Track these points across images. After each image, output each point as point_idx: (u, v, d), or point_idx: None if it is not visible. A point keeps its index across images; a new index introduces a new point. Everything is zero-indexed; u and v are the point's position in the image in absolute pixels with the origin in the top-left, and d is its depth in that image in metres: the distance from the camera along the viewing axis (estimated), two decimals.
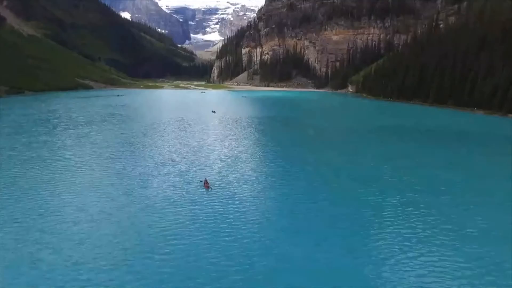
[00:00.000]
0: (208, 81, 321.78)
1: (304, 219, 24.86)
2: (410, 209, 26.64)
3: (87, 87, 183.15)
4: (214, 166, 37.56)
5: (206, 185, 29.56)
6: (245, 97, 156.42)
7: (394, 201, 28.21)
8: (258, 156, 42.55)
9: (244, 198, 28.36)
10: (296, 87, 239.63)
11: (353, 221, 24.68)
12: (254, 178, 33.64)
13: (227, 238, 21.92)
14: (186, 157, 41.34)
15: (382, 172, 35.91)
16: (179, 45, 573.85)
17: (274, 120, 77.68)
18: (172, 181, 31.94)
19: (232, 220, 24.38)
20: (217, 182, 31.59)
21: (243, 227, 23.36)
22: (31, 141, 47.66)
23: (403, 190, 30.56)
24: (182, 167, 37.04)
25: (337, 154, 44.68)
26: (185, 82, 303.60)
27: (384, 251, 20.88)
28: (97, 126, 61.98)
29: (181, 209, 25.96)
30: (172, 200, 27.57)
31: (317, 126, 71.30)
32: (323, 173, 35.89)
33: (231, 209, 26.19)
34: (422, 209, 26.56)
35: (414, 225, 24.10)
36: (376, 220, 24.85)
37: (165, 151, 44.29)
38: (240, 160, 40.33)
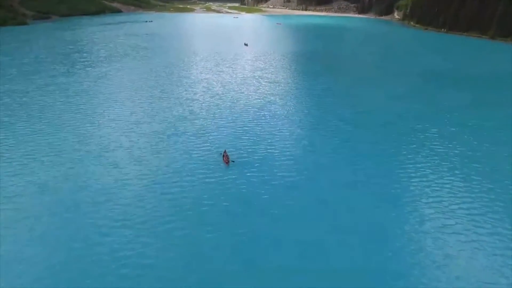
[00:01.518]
0: (242, 3, 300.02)
1: (346, 208, 20.52)
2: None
3: (115, 11, 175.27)
4: (237, 124, 32.74)
5: (225, 159, 24.98)
6: (280, 24, 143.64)
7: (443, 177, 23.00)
8: (290, 111, 36.90)
9: (270, 177, 23.73)
10: (336, 12, 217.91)
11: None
12: (284, 145, 28.70)
13: (241, 236, 18.21)
14: (208, 109, 36.65)
15: (430, 135, 29.94)
16: None
17: (311, 57, 69.33)
18: (188, 147, 27.79)
19: (251, 211, 20.40)
20: (239, 152, 27.05)
21: (263, 224, 19.44)
22: (47, 83, 44.54)
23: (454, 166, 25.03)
24: (200, 124, 32.59)
25: (380, 109, 38.12)
26: (217, 4, 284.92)
27: None
28: (117, 63, 57.65)
29: (192, 192, 21.95)
30: (183, 175, 23.63)
31: (358, 67, 63.00)
32: (367, 136, 30.32)
33: (253, 198, 21.72)
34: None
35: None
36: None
37: (185, 99, 39.72)
38: (269, 115, 35.11)
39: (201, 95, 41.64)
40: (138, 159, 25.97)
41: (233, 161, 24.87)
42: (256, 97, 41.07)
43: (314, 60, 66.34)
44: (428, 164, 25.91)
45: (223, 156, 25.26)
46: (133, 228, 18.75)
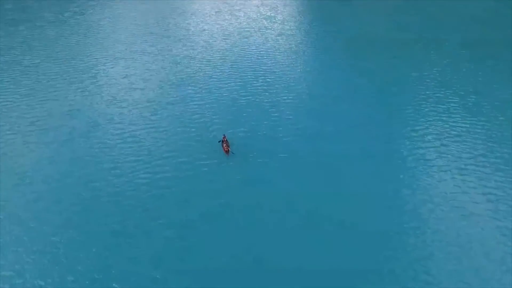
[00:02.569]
0: None
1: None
2: None
3: None
4: (240, 93, 29.55)
5: (225, 147, 21.68)
6: None
7: None
8: (301, 75, 32.97)
9: (281, 172, 20.88)
10: None
11: None
12: (295, 123, 25.63)
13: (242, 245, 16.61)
14: (207, 71, 33.13)
15: None
16: None
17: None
18: (184, 124, 25.18)
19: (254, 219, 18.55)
20: (241, 131, 24.41)
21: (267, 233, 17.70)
22: (33, 36, 40.90)
23: None
24: (198, 91, 29.52)
25: (399, 73, 34.21)
26: None
27: None
28: (110, 10, 52.35)
29: (183, 190, 19.80)
30: (180, 160, 21.52)
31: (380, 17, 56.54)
32: (386, 107, 27.32)
33: (261, 198, 19.46)
34: None
35: None
36: None
37: (183, 58, 36.02)
38: (276, 79, 31.63)
39: (200, 52, 37.80)
40: (129, 137, 23.74)
41: (233, 153, 21.67)
42: (260, 55, 37.13)
43: (328, 4, 59.64)
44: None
45: (222, 142, 22.05)
46: (123, 224, 17.41)
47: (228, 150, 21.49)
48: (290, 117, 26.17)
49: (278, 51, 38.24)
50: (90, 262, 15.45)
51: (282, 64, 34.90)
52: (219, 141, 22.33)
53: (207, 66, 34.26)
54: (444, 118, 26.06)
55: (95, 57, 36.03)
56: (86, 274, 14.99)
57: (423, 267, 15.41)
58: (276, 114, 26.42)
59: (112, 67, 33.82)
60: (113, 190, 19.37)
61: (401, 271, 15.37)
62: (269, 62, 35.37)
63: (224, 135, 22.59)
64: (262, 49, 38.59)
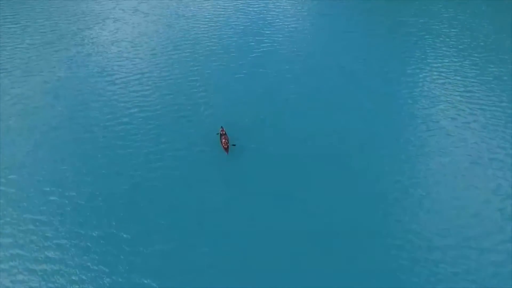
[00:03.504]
0: None
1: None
2: None
3: None
4: (241, 66, 26.93)
5: (224, 143, 19.14)
6: None
7: None
8: (305, 50, 30.22)
9: (287, 166, 19.17)
10: None
11: None
12: (301, 112, 23.04)
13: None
14: (204, 36, 30.29)
15: None
16: None
17: None
18: (175, 104, 23.16)
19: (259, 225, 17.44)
20: (244, 120, 22.01)
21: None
22: None
23: None
24: (192, 67, 26.71)
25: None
26: None
27: None
28: None
29: (180, 185, 18.48)
30: (168, 158, 19.59)
31: None
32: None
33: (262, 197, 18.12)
34: None
35: None
36: None
37: (178, 17, 32.89)
38: (285, 54, 28.70)
39: (196, 10, 34.30)
40: (118, 119, 22.07)
41: (234, 145, 19.32)
42: (263, 17, 33.55)
43: None
44: None
45: (221, 136, 19.65)
46: (118, 225, 16.66)
47: (228, 146, 19.15)
48: (297, 96, 23.98)
49: (282, 11, 34.66)
50: (84, 261, 15.08)
51: (287, 29, 31.77)
52: (217, 133, 20.10)
53: (204, 28, 31.40)
54: (459, 90, 23.99)
55: (82, 17, 33.00)
56: (79, 273, 14.67)
57: (425, 267, 14.86)
58: (280, 92, 24.34)
59: (100, 30, 31.07)
60: (102, 185, 18.27)
61: (401, 271, 14.79)
62: (273, 24, 32.33)
63: (221, 127, 20.23)
64: (264, 10, 34.94)
